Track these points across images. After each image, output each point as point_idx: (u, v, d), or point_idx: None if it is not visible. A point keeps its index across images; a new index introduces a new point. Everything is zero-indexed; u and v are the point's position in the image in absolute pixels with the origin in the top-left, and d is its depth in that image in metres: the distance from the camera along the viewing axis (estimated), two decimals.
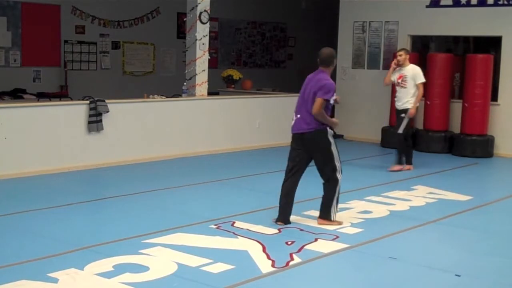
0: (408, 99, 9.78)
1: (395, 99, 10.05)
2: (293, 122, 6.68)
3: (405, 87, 9.79)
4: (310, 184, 9.41)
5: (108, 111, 9.38)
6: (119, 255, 5.43)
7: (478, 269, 5.55)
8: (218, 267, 5.20)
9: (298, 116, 6.59)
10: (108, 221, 6.77)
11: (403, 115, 9.79)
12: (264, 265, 5.30)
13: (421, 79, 9.81)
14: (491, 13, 11.80)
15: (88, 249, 5.61)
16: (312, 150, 6.51)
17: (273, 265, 5.31)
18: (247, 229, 6.33)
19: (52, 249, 5.60)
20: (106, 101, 9.48)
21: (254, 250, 5.69)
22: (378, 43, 13.13)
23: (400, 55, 9.90)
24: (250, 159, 10.84)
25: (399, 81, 9.87)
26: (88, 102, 9.29)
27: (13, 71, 12.21)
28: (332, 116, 13.71)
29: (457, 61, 12.19)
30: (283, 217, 6.58)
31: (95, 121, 9.27)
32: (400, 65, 9.88)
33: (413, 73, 9.81)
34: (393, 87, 11.06)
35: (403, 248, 6.04)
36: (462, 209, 7.62)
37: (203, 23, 10.99)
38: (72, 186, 8.40)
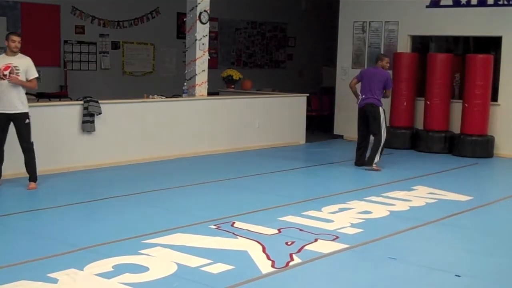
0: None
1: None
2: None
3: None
4: (310, 184, 9.42)
5: (100, 113, 9.34)
6: (118, 255, 5.43)
7: (478, 269, 5.55)
8: (218, 268, 5.20)
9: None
10: (108, 221, 6.77)
11: None
12: (264, 266, 5.30)
13: None
14: (491, 13, 11.79)
15: (88, 249, 5.61)
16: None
17: (273, 266, 5.31)
18: (247, 229, 6.32)
19: (52, 249, 5.59)
20: (106, 101, 9.48)
21: (254, 250, 5.68)
22: (378, 43, 13.13)
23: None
24: (250, 159, 10.84)
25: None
26: (82, 102, 9.29)
27: None
28: (332, 115, 13.86)
29: (457, 61, 12.19)
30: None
31: (88, 121, 9.26)
32: None
33: None
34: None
35: (403, 248, 6.04)
36: (462, 209, 7.61)
37: (203, 23, 10.99)
38: (72, 186, 8.40)
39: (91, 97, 9.45)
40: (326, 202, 7.57)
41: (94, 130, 9.31)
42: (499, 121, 11.80)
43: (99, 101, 9.38)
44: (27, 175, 8.09)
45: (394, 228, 6.64)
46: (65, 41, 13.12)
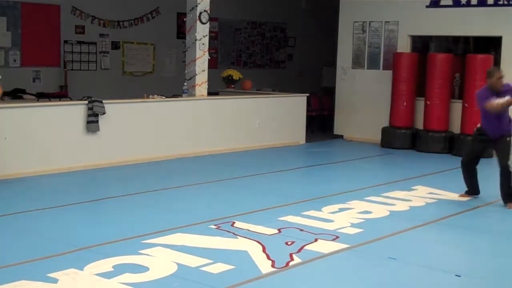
0: None
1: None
2: None
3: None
4: (310, 184, 9.42)
5: (104, 113, 9.36)
6: (118, 255, 5.43)
7: (478, 269, 5.55)
8: (218, 268, 5.20)
9: None
10: (108, 221, 6.77)
11: None
12: (264, 266, 5.30)
13: None
14: (491, 13, 11.79)
15: (88, 249, 5.61)
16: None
17: (273, 265, 5.31)
18: (247, 229, 6.32)
19: (52, 249, 5.60)
20: (106, 101, 9.48)
21: (254, 250, 5.68)
22: (378, 43, 13.13)
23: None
24: (250, 159, 10.84)
25: None
26: (86, 102, 9.30)
27: (13, 71, 12.18)
28: (332, 115, 13.85)
29: (457, 61, 12.18)
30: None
31: (93, 121, 9.27)
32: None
33: None
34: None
35: (403, 248, 6.04)
36: (462, 209, 7.61)
37: (203, 23, 10.99)
38: (72, 186, 8.40)
39: (92, 97, 9.45)
40: (326, 202, 7.57)
41: (98, 130, 9.33)
42: None
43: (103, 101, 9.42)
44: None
45: (394, 228, 6.64)
46: (65, 41, 13.11)
